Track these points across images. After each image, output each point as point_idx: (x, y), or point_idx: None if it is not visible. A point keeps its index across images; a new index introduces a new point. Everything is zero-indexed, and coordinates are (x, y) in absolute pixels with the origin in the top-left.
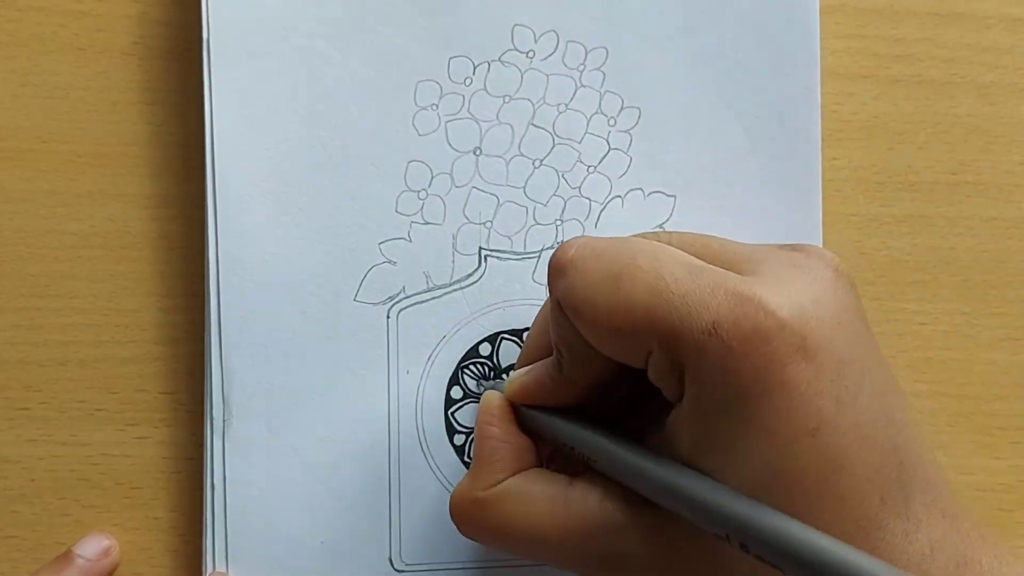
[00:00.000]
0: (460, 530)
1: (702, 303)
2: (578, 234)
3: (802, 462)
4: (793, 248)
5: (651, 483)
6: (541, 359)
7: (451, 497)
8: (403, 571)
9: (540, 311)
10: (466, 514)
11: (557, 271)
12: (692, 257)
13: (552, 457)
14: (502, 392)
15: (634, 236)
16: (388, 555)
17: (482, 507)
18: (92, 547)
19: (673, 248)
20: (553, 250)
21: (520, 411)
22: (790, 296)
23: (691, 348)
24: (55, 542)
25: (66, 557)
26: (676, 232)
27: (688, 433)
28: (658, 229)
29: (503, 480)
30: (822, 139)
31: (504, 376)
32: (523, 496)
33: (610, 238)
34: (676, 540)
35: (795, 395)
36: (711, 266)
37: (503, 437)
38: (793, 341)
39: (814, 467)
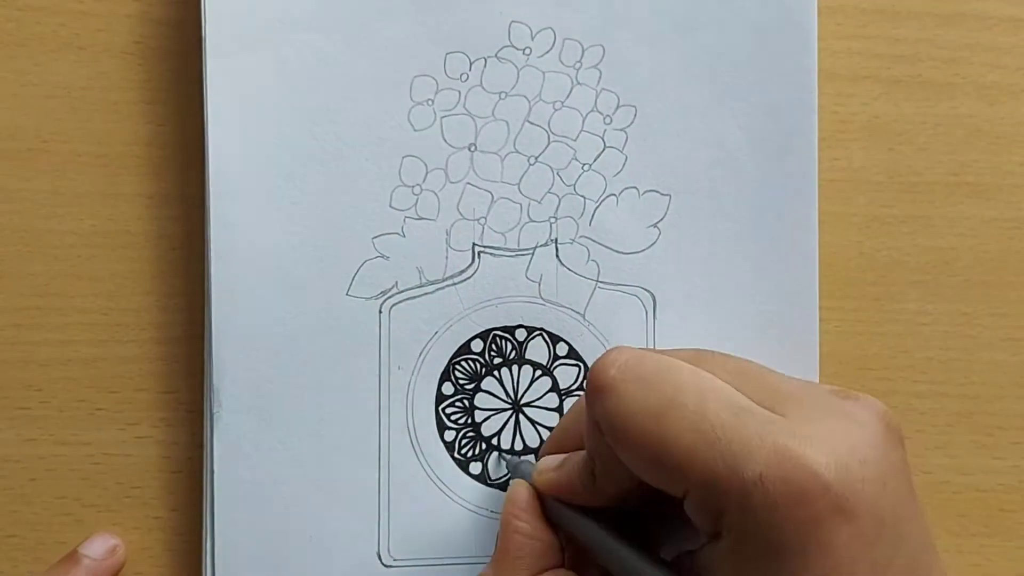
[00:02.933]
0: None
1: (748, 453)
2: (572, 232)
3: None
4: (844, 395)
5: None
6: (570, 447)
7: None
8: (391, 566)
9: (577, 402)
10: None
11: (597, 390)
12: (737, 395)
13: (572, 550)
14: (527, 476)
15: (678, 356)
16: (377, 550)
17: None
18: (98, 547)
19: (718, 382)
20: (547, 248)
21: (547, 501)
22: (837, 454)
23: (734, 496)
24: (56, 541)
25: (72, 557)
26: (717, 353)
27: (722, 573)
28: (653, 228)
29: None
30: (823, 140)
31: (526, 459)
32: None
33: (653, 359)
34: None
35: (831, 558)
36: (756, 408)
37: (530, 534)
38: (836, 503)
39: None
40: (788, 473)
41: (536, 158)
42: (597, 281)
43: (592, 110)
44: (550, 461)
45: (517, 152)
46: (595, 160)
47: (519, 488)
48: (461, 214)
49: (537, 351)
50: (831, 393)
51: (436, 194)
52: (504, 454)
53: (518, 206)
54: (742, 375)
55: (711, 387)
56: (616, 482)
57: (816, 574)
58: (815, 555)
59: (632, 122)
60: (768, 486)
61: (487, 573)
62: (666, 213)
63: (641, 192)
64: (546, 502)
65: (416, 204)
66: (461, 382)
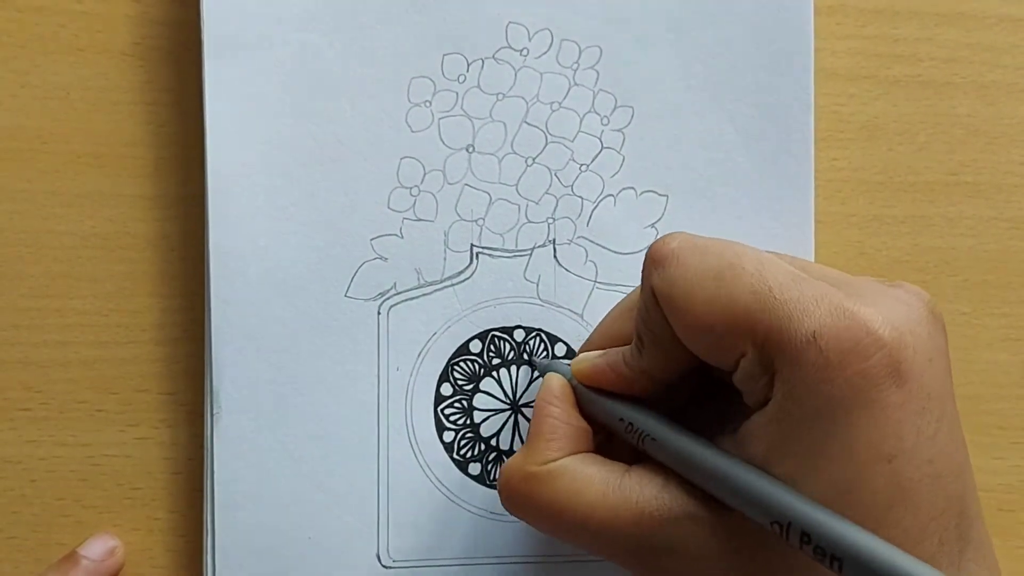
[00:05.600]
0: (506, 504)
1: (805, 311)
2: (570, 233)
3: (874, 486)
4: (889, 283)
5: (720, 478)
6: (610, 344)
7: (502, 470)
8: (390, 567)
9: (619, 302)
10: (516, 488)
11: (656, 261)
12: (792, 267)
13: (605, 445)
14: (563, 374)
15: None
16: (376, 551)
17: (534, 481)
18: (97, 548)
19: (774, 255)
20: (545, 248)
21: (581, 394)
22: (891, 320)
23: (788, 354)
24: (56, 543)
25: (71, 558)
26: (778, 253)
27: (766, 438)
28: (650, 229)
29: (558, 459)
30: (822, 140)
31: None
32: (577, 475)
33: (710, 237)
34: (733, 536)
35: (880, 417)
36: (812, 278)
37: (563, 418)
38: (889, 363)
39: (884, 493)
40: (843, 331)
41: (534, 159)
42: (595, 281)
43: (589, 111)
44: (589, 354)
45: (515, 153)
46: (593, 161)
47: (553, 378)
48: (459, 215)
49: (536, 351)
50: (879, 280)
51: (434, 195)
52: (534, 359)
53: (516, 207)
54: (793, 261)
55: (768, 257)
56: (663, 361)
57: (861, 432)
58: (863, 413)
59: (629, 123)
60: (822, 343)
61: (517, 454)
62: (663, 213)
63: (639, 192)
64: (580, 395)
65: (414, 205)
66: (460, 383)
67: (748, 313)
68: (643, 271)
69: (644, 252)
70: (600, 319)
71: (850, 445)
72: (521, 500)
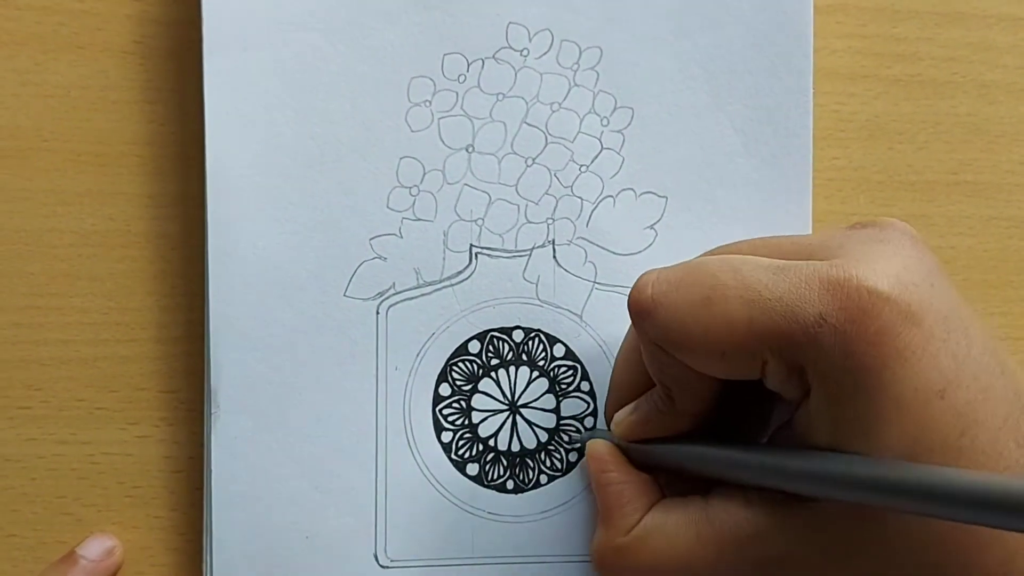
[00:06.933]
0: None
1: (802, 299)
2: (569, 234)
3: (937, 423)
4: (862, 224)
5: (814, 476)
6: (632, 393)
7: (592, 552)
8: (388, 567)
9: (621, 348)
10: (613, 564)
11: (641, 314)
12: (767, 259)
13: (668, 484)
14: (604, 437)
15: (705, 255)
16: (373, 551)
17: (628, 552)
18: (95, 548)
19: (746, 257)
20: (544, 249)
21: (631, 450)
22: (882, 269)
23: (805, 345)
24: (56, 541)
25: (70, 558)
26: (742, 240)
27: (824, 423)
28: (650, 230)
29: (639, 520)
30: (822, 139)
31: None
32: (665, 528)
33: (679, 266)
34: (830, 530)
35: (914, 362)
36: (791, 262)
37: (623, 479)
38: (900, 311)
39: (950, 426)
40: (844, 302)
41: (533, 159)
42: (594, 282)
43: (589, 112)
44: (622, 412)
45: (515, 153)
46: (592, 162)
47: (596, 444)
48: (458, 215)
49: (534, 352)
50: (850, 228)
51: (433, 195)
52: (572, 435)
53: (515, 207)
54: (761, 248)
55: (741, 261)
56: (694, 396)
57: (905, 384)
58: (897, 365)
59: (629, 124)
60: (831, 321)
61: (599, 533)
62: (663, 215)
63: (638, 194)
64: (630, 452)
65: (413, 205)
66: (458, 383)
67: (749, 324)
68: (635, 326)
69: (643, 253)
70: (599, 321)
71: (898, 398)
72: (623, 573)
